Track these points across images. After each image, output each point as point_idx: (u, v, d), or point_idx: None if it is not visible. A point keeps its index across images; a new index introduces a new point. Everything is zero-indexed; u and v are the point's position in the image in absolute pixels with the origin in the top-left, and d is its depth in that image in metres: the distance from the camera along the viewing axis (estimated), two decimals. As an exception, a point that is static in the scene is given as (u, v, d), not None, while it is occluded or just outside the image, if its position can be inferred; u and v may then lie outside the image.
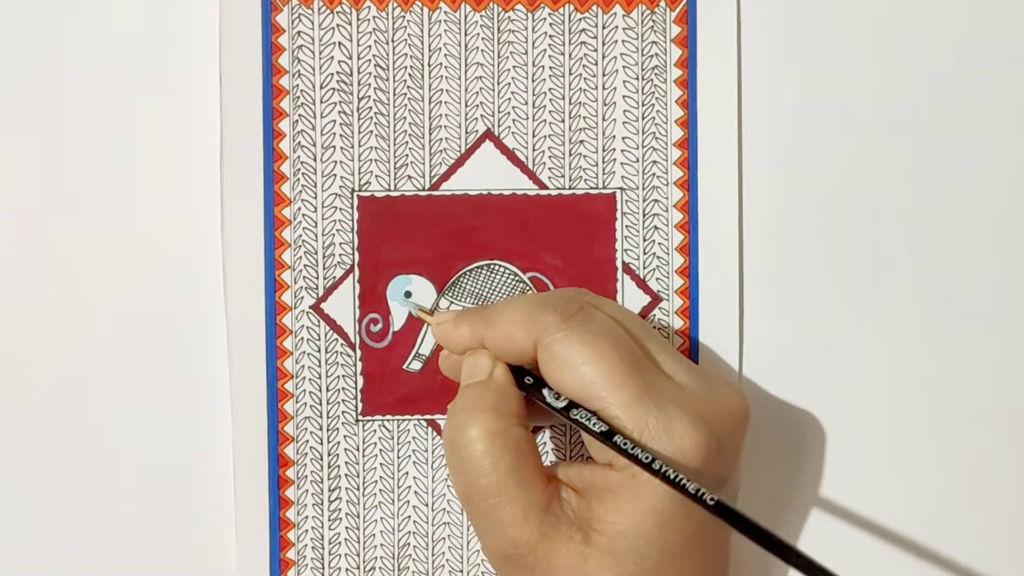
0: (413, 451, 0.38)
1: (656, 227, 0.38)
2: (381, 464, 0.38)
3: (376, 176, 0.38)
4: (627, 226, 0.38)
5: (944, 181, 0.38)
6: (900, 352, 0.38)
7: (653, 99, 0.38)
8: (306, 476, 0.38)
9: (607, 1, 0.37)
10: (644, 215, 0.38)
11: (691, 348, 0.38)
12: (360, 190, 0.38)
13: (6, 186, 0.37)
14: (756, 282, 0.38)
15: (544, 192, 0.38)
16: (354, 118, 0.38)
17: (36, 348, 0.38)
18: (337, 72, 0.37)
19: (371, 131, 0.38)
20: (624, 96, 0.38)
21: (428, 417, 0.38)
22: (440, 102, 0.38)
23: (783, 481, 0.39)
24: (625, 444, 0.30)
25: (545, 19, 0.38)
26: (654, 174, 0.38)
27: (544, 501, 0.32)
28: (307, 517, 0.38)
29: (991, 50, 0.38)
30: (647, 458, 0.30)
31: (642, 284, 0.38)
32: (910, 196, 0.38)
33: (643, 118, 0.38)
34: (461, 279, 0.38)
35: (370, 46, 0.37)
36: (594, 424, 0.31)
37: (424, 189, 0.38)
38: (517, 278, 0.38)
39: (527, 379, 0.33)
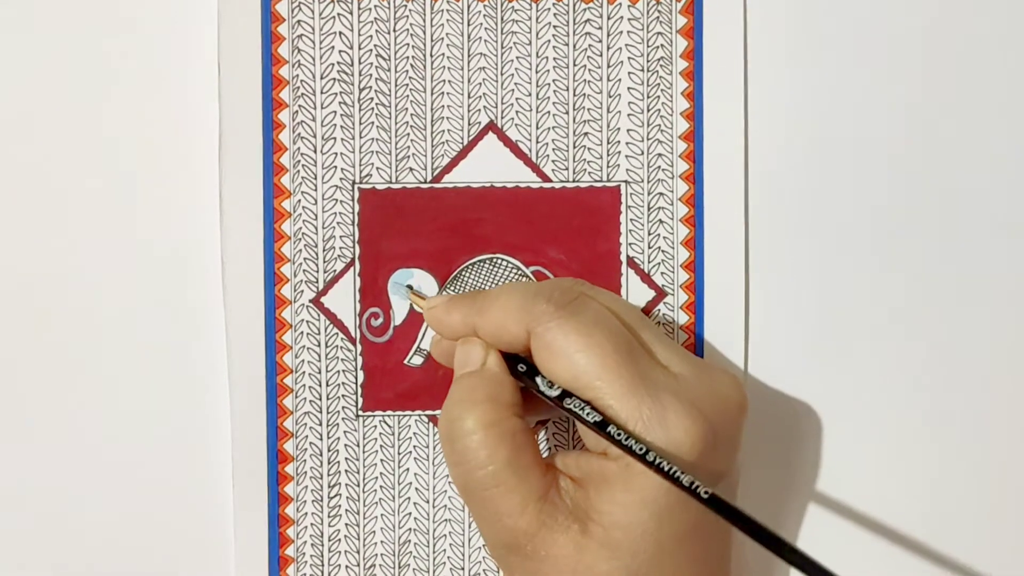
0: (414, 447, 0.38)
1: (661, 221, 0.38)
2: (381, 460, 0.38)
3: (377, 168, 0.37)
4: (631, 220, 0.37)
5: (951, 171, 0.38)
6: (906, 348, 0.38)
7: (658, 91, 0.37)
8: (305, 472, 0.38)
9: (612, -9, 0.37)
10: (649, 209, 0.38)
11: (696, 343, 0.38)
12: (361, 182, 0.37)
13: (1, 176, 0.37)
14: (762, 277, 0.38)
15: (547, 185, 0.37)
16: (355, 109, 0.37)
17: (31, 343, 0.37)
18: (338, 62, 0.37)
19: (372, 122, 0.37)
20: (629, 88, 0.37)
21: (429, 413, 0.38)
22: (442, 93, 0.37)
23: (788, 477, 0.38)
24: (619, 434, 0.30)
25: (549, 9, 0.37)
26: (659, 167, 0.37)
27: (542, 490, 0.31)
28: (306, 514, 0.38)
29: (999, 45, 0.38)
30: (641, 449, 0.29)
31: (647, 279, 0.38)
32: (917, 189, 0.38)
33: (648, 110, 0.37)
34: (463, 273, 0.37)
35: (371, 36, 0.37)
36: (588, 414, 0.30)
37: (426, 181, 0.37)
38: (520, 272, 0.37)
39: (520, 367, 0.33)
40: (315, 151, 0.37)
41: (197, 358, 0.37)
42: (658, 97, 0.37)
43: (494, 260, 0.37)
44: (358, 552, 0.38)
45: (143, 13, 0.37)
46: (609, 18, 0.37)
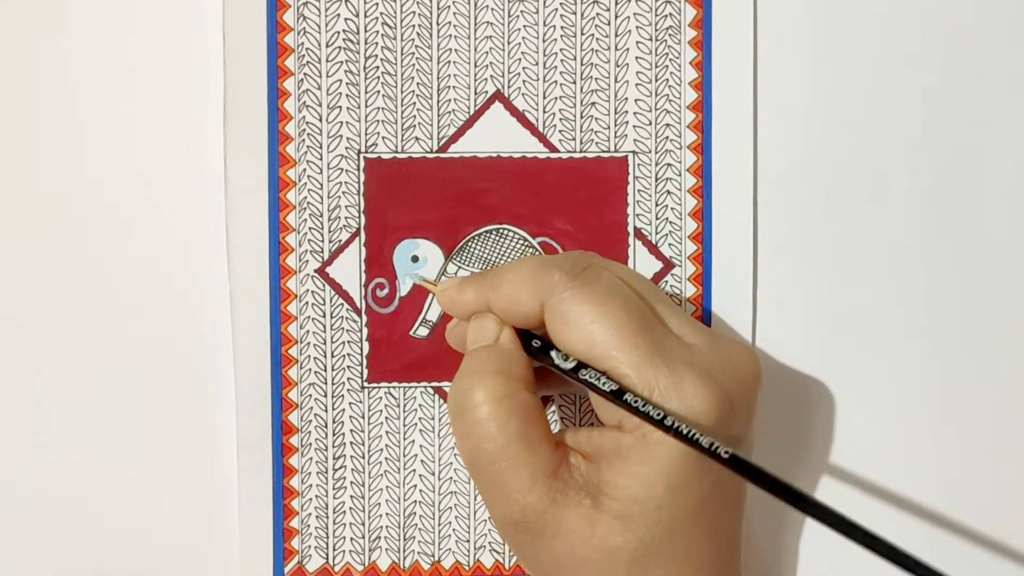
0: (419, 419, 0.38)
1: (669, 192, 0.37)
2: (387, 432, 0.38)
3: (383, 137, 0.37)
4: (639, 190, 0.37)
5: (962, 147, 0.38)
6: (913, 320, 0.38)
7: (667, 60, 0.37)
8: (310, 444, 0.37)
9: (621, -41, 0.37)
10: (657, 179, 0.37)
11: (703, 315, 0.37)
12: (367, 152, 0.37)
13: (6, 157, 0.37)
14: (770, 248, 0.37)
15: (555, 155, 0.37)
16: (361, 77, 0.37)
17: (36, 314, 0.37)
18: (344, 30, 0.37)
19: (378, 91, 0.37)
20: (637, 57, 0.37)
21: (435, 384, 0.37)
22: (449, 62, 0.37)
23: (796, 450, 0.38)
24: (636, 402, 0.30)
25: (557, -24, 0.37)
26: (667, 137, 0.37)
27: (552, 466, 0.31)
28: (311, 486, 0.37)
29: (1018, 41, 0.37)
30: (659, 414, 0.29)
31: (654, 250, 0.37)
32: (928, 163, 0.38)
33: (656, 80, 0.37)
34: (469, 244, 0.37)
35: (377, 3, 0.37)
36: (604, 384, 0.30)
37: (432, 151, 0.37)
38: (526, 243, 0.37)
39: (534, 343, 0.33)
40: (320, 120, 0.37)
41: (201, 328, 0.37)
42: (666, 67, 0.37)
43: (500, 231, 0.37)
44: (363, 524, 0.38)
45: (147, -20, 0.37)
46: (617, -14, 0.37)
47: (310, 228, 0.37)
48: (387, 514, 0.38)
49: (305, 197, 0.37)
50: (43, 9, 0.37)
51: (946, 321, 0.38)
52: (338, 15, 0.37)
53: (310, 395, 0.37)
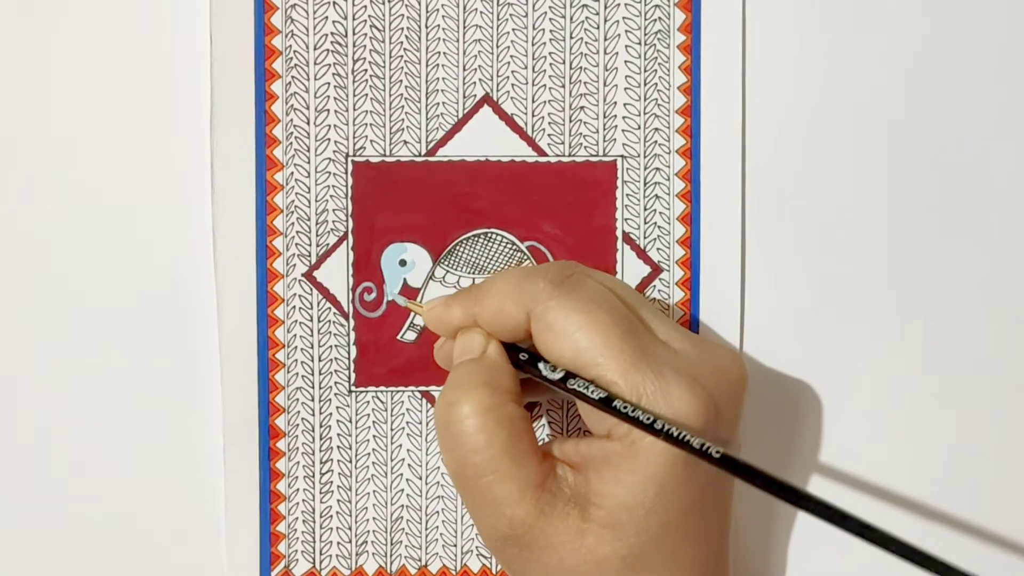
0: (407, 423, 0.37)
1: (657, 196, 0.37)
2: (374, 436, 0.37)
3: (371, 141, 0.37)
4: (628, 195, 0.37)
5: (949, 151, 0.38)
6: (901, 325, 0.38)
7: (656, 65, 0.37)
8: (297, 448, 0.37)
9: (610, -37, 0.37)
10: (645, 184, 0.37)
11: (691, 319, 0.37)
12: (355, 155, 0.37)
13: (-12, 147, 0.36)
14: (758, 253, 0.37)
15: (543, 159, 0.37)
16: (349, 81, 0.37)
17: (20, 321, 0.37)
18: (332, 33, 0.36)
19: (366, 94, 0.37)
20: (626, 61, 0.37)
21: (422, 388, 0.37)
22: (437, 65, 0.37)
23: (784, 454, 0.38)
24: (625, 408, 0.30)
25: (546, -20, 0.37)
26: (656, 142, 0.37)
27: (540, 478, 0.31)
28: (298, 490, 0.37)
29: (1005, 35, 0.37)
30: (648, 419, 0.29)
31: (642, 254, 0.37)
32: (915, 168, 0.38)
33: (645, 84, 0.37)
34: (457, 247, 0.37)
35: (365, 6, 0.36)
36: (592, 392, 0.30)
37: (420, 155, 0.37)
38: (515, 247, 0.37)
39: (521, 355, 0.32)
40: (308, 123, 0.37)
41: (188, 332, 0.37)
42: (655, 71, 0.37)
43: (489, 235, 0.37)
44: (350, 528, 0.38)
45: (133, -19, 0.36)
46: (606, -10, 0.37)
47: (297, 232, 0.37)
48: (374, 518, 0.38)
49: (292, 201, 0.37)
50: (30, 11, 0.36)
51: (934, 324, 0.38)
52: (326, 18, 0.36)
53: (297, 399, 0.37)
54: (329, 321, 0.37)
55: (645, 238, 0.37)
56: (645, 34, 0.37)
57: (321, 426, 0.37)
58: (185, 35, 0.36)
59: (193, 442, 0.37)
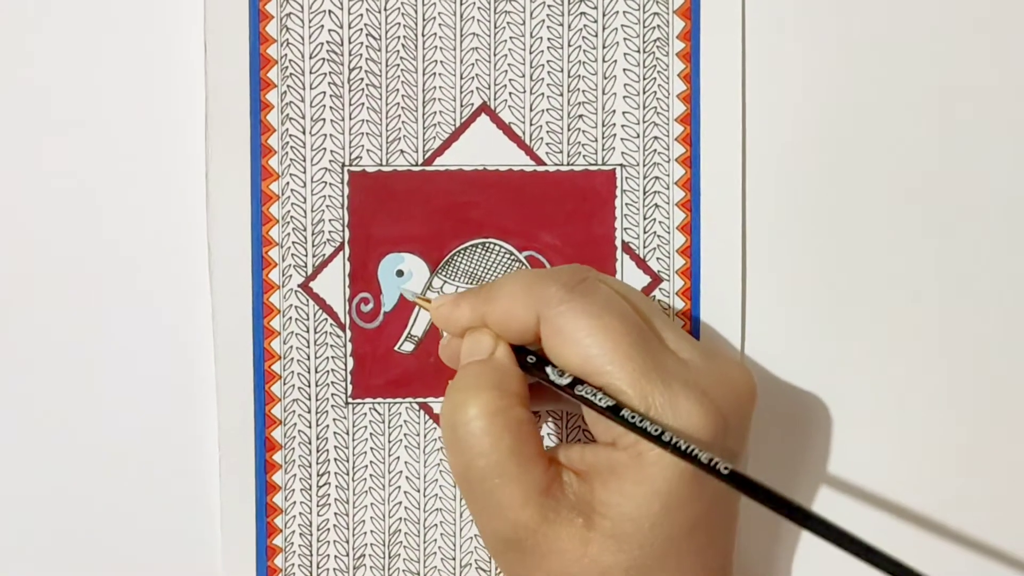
0: (404, 435, 0.37)
1: (657, 205, 0.37)
2: (371, 448, 0.37)
3: (367, 150, 0.36)
4: (627, 204, 0.37)
5: (951, 152, 0.37)
6: (903, 333, 0.38)
7: (655, 73, 0.37)
8: (294, 460, 0.37)
9: (608, -30, 0.36)
10: (644, 193, 0.37)
11: (692, 329, 0.37)
12: (351, 165, 0.36)
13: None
14: (759, 262, 0.37)
15: (541, 168, 0.37)
16: (345, 90, 0.36)
17: (12, 331, 0.37)
18: (327, 41, 0.36)
19: (362, 103, 0.36)
20: (625, 69, 0.37)
21: (420, 400, 0.37)
22: (434, 74, 0.36)
23: (786, 463, 0.38)
24: (633, 418, 0.29)
25: (544, -12, 0.36)
26: (655, 150, 0.37)
27: (545, 484, 0.31)
28: (295, 503, 0.37)
29: (1006, 36, 0.37)
30: (656, 430, 0.29)
31: (642, 264, 0.37)
32: (915, 173, 0.37)
33: (644, 92, 0.37)
34: (455, 258, 0.37)
35: (362, 14, 0.36)
36: (600, 400, 0.30)
37: (417, 164, 0.37)
38: (513, 257, 0.37)
39: (529, 358, 0.32)
40: (304, 132, 0.36)
41: (184, 344, 0.37)
42: (654, 79, 0.37)
43: (487, 245, 0.37)
44: (347, 542, 0.37)
45: (128, -10, 0.36)
46: (605, -2, 0.36)
47: (293, 242, 0.36)
48: (372, 531, 0.37)
49: (288, 211, 0.36)
50: (23, 21, 0.36)
51: (937, 334, 0.38)
52: (322, 26, 0.36)
53: (294, 411, 0.37)
54: (325, 332, 0.37)
55: (645, 247, 0.37)
56: (644, 41, 0.37)
57: (318, 438, 0.37)
58: (180, 45, 0.36)
59: (189, 454, 0.37)
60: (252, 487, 0.37)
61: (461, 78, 0.37)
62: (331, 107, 0.36)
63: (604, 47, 0.37)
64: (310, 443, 0.37)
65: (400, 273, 0.37)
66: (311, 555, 0.37)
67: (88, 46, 0.36)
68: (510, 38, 0.36)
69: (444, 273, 0.37)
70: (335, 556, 0.37)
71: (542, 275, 0.32)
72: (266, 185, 0.36)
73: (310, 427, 0.37)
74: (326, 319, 0.37)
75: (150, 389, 0.37)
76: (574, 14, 0.36)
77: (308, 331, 0.37)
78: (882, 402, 0.38)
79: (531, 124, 0.37)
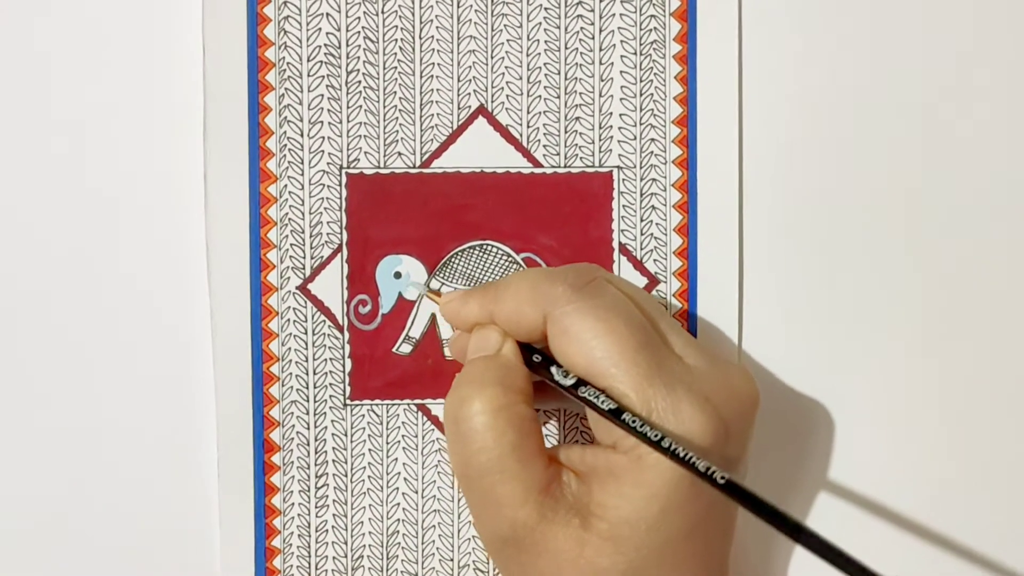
0: (403, 436, 0.37)
1: (654, 207, 0.37)
2: (370, 450, 0.37)
3: (365, 153, 0.37)
4: (624, 206, 0.37)
5: (947, 157, 0.37)
6: (900, 335, 0.38)
7: (651, 75, 0.37)
8: (292, 462, 0.37)
9: (605, -27, 0.36)
10: (642, 194, 0.37)
11: (690, 331, 0.37)
12: (349, 167, 0.37)
13: (-20, 161, 0.36)
14: (756, 264, 0.37)
15: (539, 170, 0.37)
16: (342, 92, 0.36)
17: (11, 333, 0.37)
18: (325, 44, 0.36)
19: (360, 106, 0.36)
20: (622, 72, 0.37)
21: (418, 402, 0.37)
22: (432, 76, 0.37)
23: (784, 466, 0.38)
24: (634, 422, 0.29)
25: (541, -9, 0.36)
26: (652, 152, 0.37)
27: (544, 482, 0.31)
28: (293, 504, 0.37)
29: (1004, 38, 0.37)
30: (656, 436, 0.29)
31: (639, 266, 0.37)
32: (912, 175, 0.37)
33: (641, 94, 0.37)
34: (452, 260, 0.37)
35: (359, 17, 0.36)
36: (603, 402, 0.30)
37: (415, 166, 0.37)
38: (510, 259, 0.37)
39: (535, 357, 0.32)
40: (302, 135, 0.36)
41: (182, 345, 0.37)
42: (651, 81, 0.37)
43: (484, 247, 0.37)
44: (345, 543, 0.37)
45: (126, -6, 0.36)
46: (601, 0, 0.36)
47: (292, 244, 0.37)
48: (370, 532, 0.37)
49: (287, 213, 0.36)
50: (22, 26, 0.36)
51: (936, 335, 0.38)
52: (319, 29, 0.36)
53: (292, 413, 0.37)
54: (324, 334, 0.37)
55: (642, 249, 0.37)
56: (641, 44, 0.37)
57: (316, 440, 0.37)
58: (178, 48, 0.36)
59: (187, 456, 0.37)
60: (250, 489, 0.37)
61: (458, 80, 0.37)
62: (329, 109, 0.36)
63: (601, 49, 0.37)
64: (308, 444, 0.37)
65: (398, 275, 0.37)
66: (310, 556, 0.37)
67: (86, 51, 0.36)
68: (507, 41, 0.37)
69: (442, 275, 0.37)
70: (333, 557, 0.37)
71: (550, 274, 0.32)
72: (264, 187, 0.36)
73: (308, 428, 0.37)
74: (324, 321, 0.37)
75: (149, 391, 0.37)
76: (571, 17, 0.36)
77: (306, 333, 0.37)
78: (880, 403, 0.38)
79: (528, 126, 0.37)
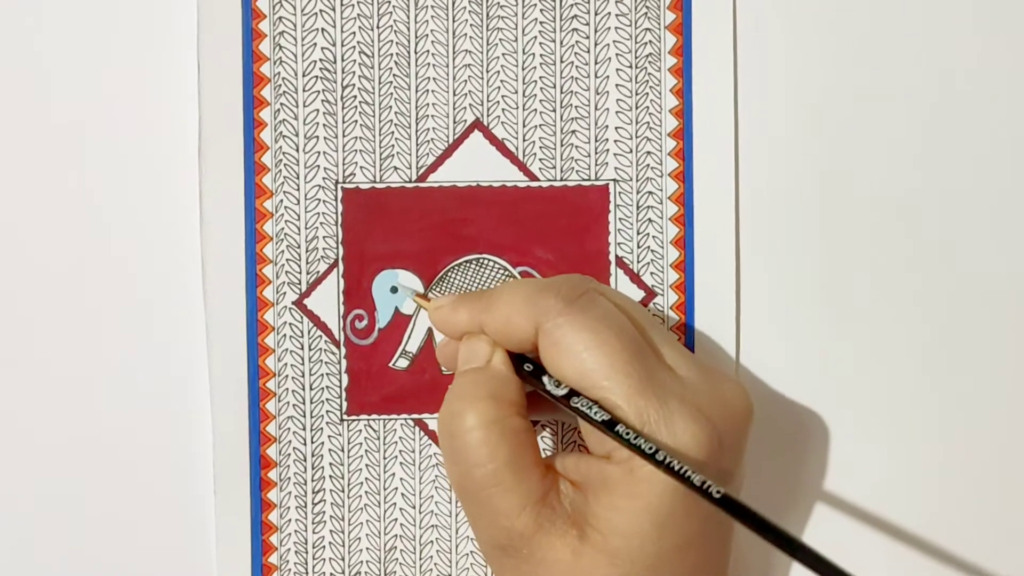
0: (400, 451, 0.37)
1: (650, 220, 0.37)
2: (367, 465, 0.37)
3: (361, 167, 0.37)
4: (620, 219, 0.37)
5: (945, 165, 0.37)
6: (898, 346, 0.38)
7: (647, 88, 0.37)
8: (289, 478, 0.37)
9: (599, -13, 0.36)
10: (638, 208, 0.37)
11: (687, 343, 0.37)
12: (344, 182, 0.37)
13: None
14: (753, 277, 0.37)
15: (535, 184, 0.37)
16: (338, 107, 0.36)
17: (9, 348, 0.36)
18: (320, 59, 0.36)
19: (356, 120, 0.36)
20: (617, 85, 0.37)
21: (415, 416, 0.37)
22: (427, 91, 0.37)
23: (781, 477, 0.38)
24: (627, 434, 0.29)
25: (536, 4, 0.36)
26: (648, 165, 0.37)
27: (541, 492, 0.31)
28: (290, 520, 0.37)
29: (1002, 48, 0.37)
30: (650, 448, 0.29)
31: (636, 279, 0.37)
32: (909, 186, 0.37)
33: (637, 108, 0.37)
34: (449, 274, 0.37)
35: (354, 32, 0.36)
36: (596, 413, 0.30)
37: (411, 181, 0.37)
38: (507, 273, 0.37)
39: (526, 366, 0.32)
40: (297, 150, 0.36)
41: (178, 361, 0.37)
42: (647, 94, 0.37)
43: (480, 260, 0.37)
44: (343, 559, 0.37)
45: (123, 8, 0.36)
46: (596, 14, 0.37)
47: (287, 260, 0.36)
48: (368, 548, 0.37)
49: (282, 228, 0.36)
50: (18, 37, 0.36)
51: (933, 350, 0.38)
52: (315, 44, 0.36)
53: (288, 428, 0.37)
54: (320, 349, 0.37)
55: (639, 262, 0.37)
56: (636, 57, 0.37)
57: (313, 455, 0.37)
58: (174, 64, 0.36)
59: (184, 472, 0.37)
60: (247, 505, 0.37)
61: (454, 94, 0.37)
62: (324, 124, 0.36)
63: (596, 63, 0.37)
64: (305, 460, 0.37)
65: (394, 289, 0.37)
66: (307, 573, 0.37)
67: (82, 66, 0.36)
68: (503, 54, 0.37)
69: (438, 289, 0.37)
70: (331, 573, 0.37)
71: (542, 286, 0.32)
72: (260, 203, 0.36)
73: (305, 444, 0.37)
74: (320, 336, 0.37)
75: (145, 407, 0.37)
76: (566, 30, 0.37)
77: (302, 348, 0.37)
78: (877, 415, 0.38)
79: (524, 140, 0.37)
